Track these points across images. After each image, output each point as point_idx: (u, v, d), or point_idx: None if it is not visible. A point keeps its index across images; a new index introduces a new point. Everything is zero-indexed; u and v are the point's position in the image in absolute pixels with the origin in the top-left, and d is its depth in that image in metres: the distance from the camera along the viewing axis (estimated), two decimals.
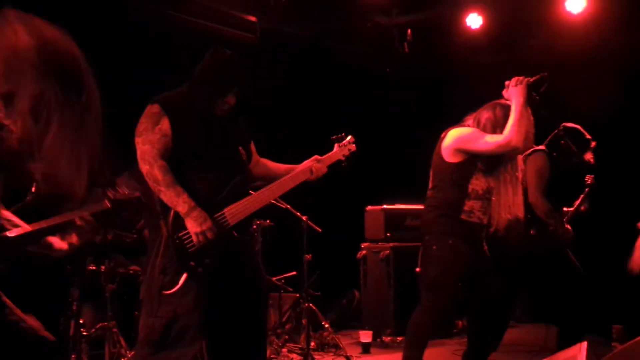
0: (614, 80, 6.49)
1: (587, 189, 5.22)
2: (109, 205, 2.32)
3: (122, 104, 3.38)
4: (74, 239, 2.28)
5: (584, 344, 2.80)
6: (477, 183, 4.15)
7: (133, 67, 5.71)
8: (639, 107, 6.47)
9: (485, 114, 4.20)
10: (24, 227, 2.19)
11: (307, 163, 3.69)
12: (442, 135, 4.25)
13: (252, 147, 3.69)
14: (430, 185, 4.32)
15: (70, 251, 2.27)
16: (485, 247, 4.39)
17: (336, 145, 3.88)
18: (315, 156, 3.74)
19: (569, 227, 5.02)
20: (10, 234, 2.15)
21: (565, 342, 4.78)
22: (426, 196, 4.33)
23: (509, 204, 4.20)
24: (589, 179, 5.25)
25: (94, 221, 2.28)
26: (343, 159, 3.87)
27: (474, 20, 7.19)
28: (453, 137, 4.18)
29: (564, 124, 5.15)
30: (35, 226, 2.18)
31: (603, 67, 6.64)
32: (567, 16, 6.75)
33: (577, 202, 5.20)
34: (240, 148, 3.51)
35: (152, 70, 5.70)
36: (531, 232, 4.74)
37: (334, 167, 3.78)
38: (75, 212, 2.23)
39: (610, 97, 6.43)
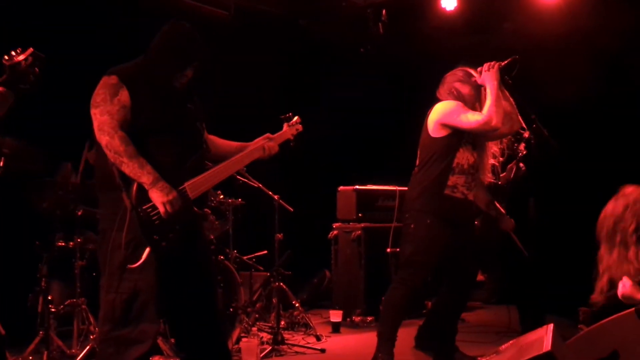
0: (587, 64, 6.50)
1: (520, 164, 5.20)
2: (5, 75, 2.24)
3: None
4: None
5: (551, 326, 2.79)
6: (462, 157, 4.18)
7: (102, 42, 5.64)
8: (611, 90, 6.48)
9: (464, 89, 4.26)
10: None
11: (259, 141, 3.71)
12: (428, 112, 4.26)
13: (203, 123, 3.67)
14: (417, 162, 4.33)
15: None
16: (475, 224, 4.44)
17: (285, 124, 3.90)
18: (267, 134, 3.75)
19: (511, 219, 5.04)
20: None
21: (527, 323, 4.83)
22: (412, 173, 4.34)
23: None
24: (521, 152, 5.22)
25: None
26: (292, 138, 3.88)
27: (449, 2, 7.15)
28: (437, 111, 4.22)
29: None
30: None
31: (576, 50, 6.65)
32: (541, 1, 6.71)
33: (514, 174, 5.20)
34: (197, 123, 3.47)
35: (123, 45, 5.64)
36: (475, 222, 4.71)
37: (283, 146, 3.78)
38: None
39: (583, 81, 6.44)
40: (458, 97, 4.25)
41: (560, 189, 5.52)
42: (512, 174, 5.18)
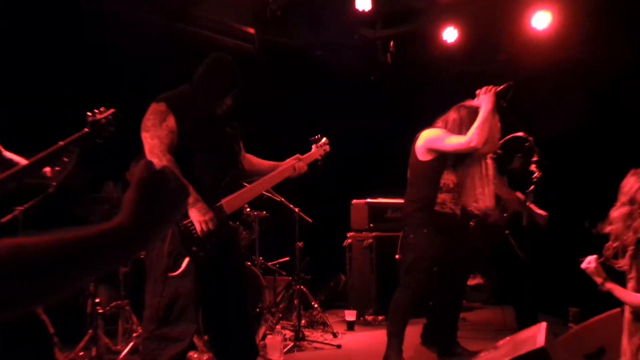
0: (578, 92, 6.49)
1: (532, 187, 5.18)
2: (87, 130, 2.29)
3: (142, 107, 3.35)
4: (62, 168, 2.26)
5: (544, 324, 2.81)
6: (448, 178, 4.21)
7: (150, 75, 5.71)
8: (601, 117, 6.45)
9: (451, 116, 4.27)
10: (24, 162, 2.21)
11: (290, 161, 3.69)
12: (416, 137, 4.29)
13: (241, 144, 3.70)
14: (408, 181, 4.35)
15: (60, 177, 2.26)
16: (466, 231, 4.44)
17: (313, 146, 3.88)
18: (297, 155, 3.74)
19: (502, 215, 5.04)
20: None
21: (522, 321, 4.83)
22: (405, 192, 4.37)
23: (477, 196, 4.25)
24: (535, 177, 5.21)
25: (76, 148, 2.26)
26: (319, 158, 3.86)
27: (450, 34, 7.18)
28: (424, 138, 4.25)
29: (522, 133, 5.18)
30: (31, 160, 2.18)
31: (567, 79, 6.64)
32: (533, 32, 6.73)
33: (527, 194, 5.20)
34: (234, 145, 3.51)
35: (167, 74, 5.72)
36: (471, 223, 4.73)
37: (312, 165, 3.76)
38: (59, 144, 2.22)
39: (573, 108, 6.42)
40: (448, 128, 4.24)
41: (551, 203, 5.51)
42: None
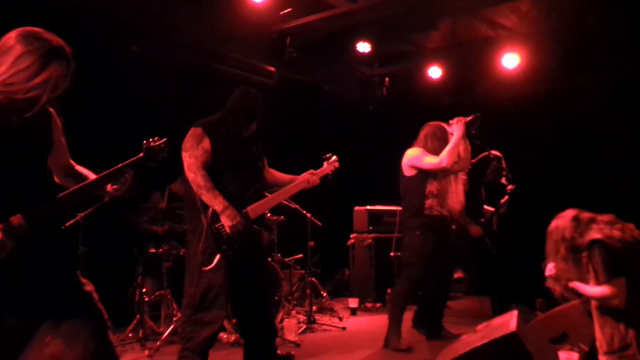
0: (543, 122, 6.46)
1: (507, 197, 5.10)
2: (142, 154, 2.28)
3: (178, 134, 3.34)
4: (120, 186, 2.24)
5: (515, 312, 2.76)
6: (431, 186, 4.19)
7: (186, 104, 5.71)
8: (564, 144, 6.40)
9: (422, 132, 4.35)
10: (93, 176, 2.22)
11: (305, 175, 3.67)
12: (402, 157, 4.30)
13: (265, 160, 3.68)
14: (401, 194, 4.35)
15: (120, 192, 2.25)
16: (452, 231, 4.42)
17: (325, 163, 3.83)
18: (311, 170, 3.72)
19: (478, 227, 4.97)
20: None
21: (496, 309, 4.77)
22: (401, 202, 4.37)
23: (457, 199, 4.24)
24: (510, 189, 5.15)
25: (132, 169, 2.24)
26: (330, 173, 3.80)
27: (435, 72, 7.17)
28: (407, 156, 4.30)
29: (491, 151, 5.14)
30: (98, 177, 2.18)
31: (533, 110, 6.62)
32: (504, 70, 6.69)
33: (500, 204, 5.14)
34: (259, 162, 3.50)
35: (200, 105, 5.74)
36: (453, 227, 4.68)
37: (323, 179, 3.73)
38: (119, 165, 2.21)
39: (540, 136, 6.39)
40: (424, 144, 4.26)
41: (523, 211, 5.45)
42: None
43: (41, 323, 2.15)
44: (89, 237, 4.56)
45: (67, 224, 4.26)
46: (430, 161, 4.10)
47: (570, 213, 2.94)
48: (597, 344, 2.78)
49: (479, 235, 4.94)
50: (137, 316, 4.49)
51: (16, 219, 1.94)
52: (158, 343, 4.18)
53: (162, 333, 4.41)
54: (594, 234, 2.76)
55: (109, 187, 2.21)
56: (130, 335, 4.47)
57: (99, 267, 4.15)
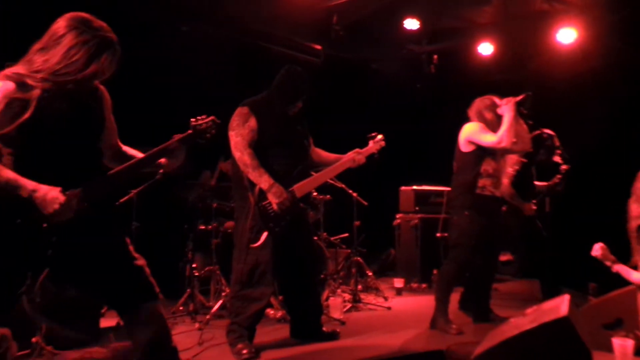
0: (598, 100, 6.18)
1: (560, 176, 4.96)
2: (190, 131, 2.33)
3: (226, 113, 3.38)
4: (174, 160, 2.31)
5: (567, 296, 2.68)
6: (488, 165, 4.09)
7: (234, 83, 5.75)
8: (621, 123, 6.11)
9: (474, 108, 4.20)
10: (140, 155, 2.28)
11: (350, 154, 3.66)
12: (459, 131, 4.19)
13: (310, 139, 3.68)
14: (454, 169, 4.26)
15: (173, 167, 2.32)
16: (500, 213, 4.34)
17: (371, 141, 3.82)
18: (357, 149, 3.70)
19: (532, 205, 4.82)
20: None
21: (547, 293, 4.65)
22: (452, 179, 4.28)
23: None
24: (563, 169, 4.99)
25: (183, 145, 2.30)
26: (376, 152, 3.80)
27: (486, 48, 6.96)
28: (465, 131, 4.15)
29: (543, 129, 4.97)
30: (149, 153, 2.25)
31: (588, 88, 6.33)
32: (559, 46, 6.42)
33: (554, 181, 4.98)
34: (304, 141, 3.50)
35: (247, 83, 5.79)
36: (503, 208, 4.56)
37: (369, 158, 3.72)
38: (168, 142, 2.26)
39: (593, 114, 6.12)
40: (482, 119, 4.15)
41: (576, 193, 5.26)
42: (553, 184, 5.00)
43: (98, 294, 2.24)
44: (142, 213, 4.69)
45: (122, 200, 4.40)
46: (490, 139, 3.98)
47: None
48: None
49: (532, 214, 4.81)
50: (188, 290, 4.61)
51: (74, 193, 2.02)
52: (208, 317, 4.27)
53: (212, 307, 4.51)
54: None
55: (163, 161, 2.27)
56: (181, 308, 4.59)
57: (151, 242, 4.28)
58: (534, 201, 4.94)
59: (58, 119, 2.03)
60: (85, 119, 2.13)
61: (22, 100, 1.95)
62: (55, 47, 2.00)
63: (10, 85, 1.96)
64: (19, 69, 2.00)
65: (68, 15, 2.05)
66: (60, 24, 2.03)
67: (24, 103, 1.95)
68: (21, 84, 1.97)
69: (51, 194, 1.94)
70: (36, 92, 1.97)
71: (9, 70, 2.00)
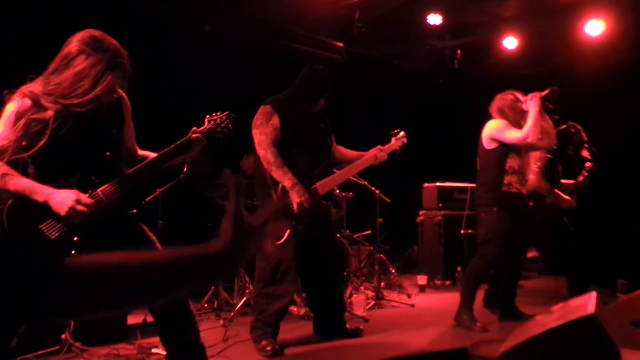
0: (629, 94, 6.04)
1: (586, 173, 4.87)
2: (212, 124, 2.38)
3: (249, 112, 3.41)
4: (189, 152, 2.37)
5: (594, 293, 2.63)
6: (513, 161, 4.03)
7: (256, 81, 5.80)
8: None
9: (495, 105, 4.14)
10: (153, 155, 2.34)
11: (372, 151, 3.66)
12: (482, 128, 4.14)
13: (333, 137, 3.68)
14: (477, 167, 4.22)
15: (194, 156, 2.38)
16: (530, 206, 4.28)
17: (393, 138, 3.82)
18: (379, 146, 3.69)
19: (569, 197, 4.75)
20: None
21: (574, 290, 4.57)
22: (476, 176, 4.24)
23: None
24: (588, 166, 4.90)
25: (204, 137, 2.37)
26: (398, 149, 3.79)
27: (511, 42, 6.86)
28: (488, 128, 4.10)
29: (570, 122, 4.88)
30: (167, 149, 2.31)
31: (619, 81, 6.19)
32: (587, 38, 6.30)
33: (579, 179, 4.89)
34: (327, 138, 3.51)
35: (270, 82, 5.81)
36: (530, 203, 4.49)
37: (391, 155, 3.70)
38: (184, 139, 2.32)
39: (625, 109, 5.98)
40: (504, 116, 4.09)
41: (604, 188, 5.15)
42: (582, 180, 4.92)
43: None
44: (167, 212, 4.75)
45: (147, 199, 4.47)
46: (515, 135, 3.92)
47: None
48: None
49: (572, 206, 4.74)
50: (212, 287, 4.65)
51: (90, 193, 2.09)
52: (232, 314, 4.31)
53: (236, 304, 4.54)
54: None
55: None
56: (206, 305, 4.64)
57: (176, 239, 4.32)
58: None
59: (71, 135, 2.11)
60: (96, 134, 2.20)
61: (39, 120, 2.06)
62: (67, 70, 2.10)
63: (27, 103, 2.07)
64: (36, 87, 2.11)
65: (79, 35, 2.14)
66: (73, 46, 2.13)
67: (41, 123, 2.06)
68: (36, 103, 2.08)
69: (65, 194, 2.02)
70: (49, 113, 2.08)
71: (26, 88, 2.10)
